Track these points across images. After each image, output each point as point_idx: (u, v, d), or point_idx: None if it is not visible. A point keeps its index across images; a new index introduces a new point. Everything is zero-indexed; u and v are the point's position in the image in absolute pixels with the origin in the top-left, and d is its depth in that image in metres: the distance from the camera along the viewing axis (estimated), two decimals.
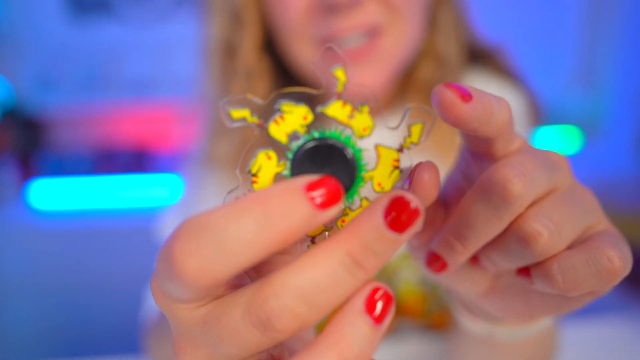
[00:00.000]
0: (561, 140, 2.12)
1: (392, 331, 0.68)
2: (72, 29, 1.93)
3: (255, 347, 0.19)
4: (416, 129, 0.21)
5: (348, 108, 0.21)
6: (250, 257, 0.17)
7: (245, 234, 0.17)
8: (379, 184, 0.21)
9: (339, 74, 0.21)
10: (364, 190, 0.21)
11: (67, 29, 1.92)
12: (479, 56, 0.68)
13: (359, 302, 0.18)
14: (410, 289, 0.66)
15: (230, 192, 0.21)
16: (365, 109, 0.21)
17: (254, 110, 0.21)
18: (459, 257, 0.27)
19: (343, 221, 0.21)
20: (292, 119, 0.21)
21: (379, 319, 0.18)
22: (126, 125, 2.02)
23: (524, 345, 0.39)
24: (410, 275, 0.66)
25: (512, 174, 0.23)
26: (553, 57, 2.04)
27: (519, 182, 0.23)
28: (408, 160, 0.22)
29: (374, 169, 0.21)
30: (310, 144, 0.20)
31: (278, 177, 0.21)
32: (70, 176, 1.91)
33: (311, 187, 0.18)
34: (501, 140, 0.25)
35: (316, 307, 0.18)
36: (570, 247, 0.25)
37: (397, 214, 0.18)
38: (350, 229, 0.18)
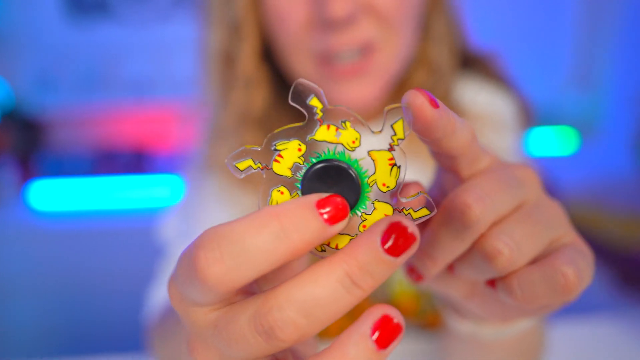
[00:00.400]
0: (558, 141, 2.13)
1: None
2: (71, 29, 1.93)
3: (259, 352, 0.20)
4: (399, 126, 0.23)
5: (332, 129, 0.23)
6: (267, 265, 0.19)
7: (263, 245, 0.19)
8: (384, 184, 0.23)
9: (315, 102, 0.23)
10: (372, 194, 0.23)
11: (66, 29, 1.93)
12: (471, 63, 0.69)
13: (367, 325, 0.20)
14: (405, 290, 0.67)
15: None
16: (348, 124, 0.23)
17: (255, 157, 0.23)
18: (431, 271, 0.29)
19: (364, 226, 0.23)
20: (289, 155, 0.23)
21: (384, 345, 0.19)
22: (125, 125, 2.02)
23: (508, 344, 0.41)
24: (405, 276, 0.67)
25: (471, 198, 0.25)
26: (550, 58, 2.05)
27: (478, 206, 0.25)
28: (402, 156, 0.23)
29: (374, 173, 0.23)
30: (320, 165, 0.22)
31: (296, 166, 0.23)
32: (69, 177, 1.91)
33: (321, 204, 0.20)
34: (465, 160, 0.27)
35: (316, 320, 0.19)
36: (534, 260, 0.27)
37: (395, 239, 0.19)
38: (350, 251, 0.20)
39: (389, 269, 0.20)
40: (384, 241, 0.19)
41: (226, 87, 0.63)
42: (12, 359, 1.52)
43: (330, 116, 0.23)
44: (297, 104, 0.23)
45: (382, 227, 0.20)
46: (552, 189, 1.57)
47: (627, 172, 2.04)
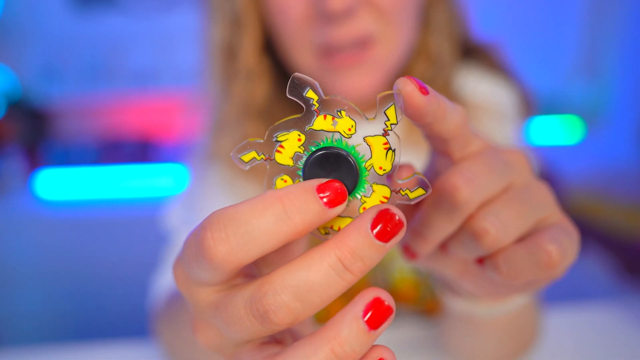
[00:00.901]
0: (563, 130, 2.12)
1: None
2: (76, 20, 1.93)
3: (255, 334, 0.22)
4: (391, 112, 0.24)
5: (329, 118, 0.24)
6: (270, 245, 0.21)
7: (267, 226, 0.20)
8: (381, 167, 0.24)
9: (311, 94, 0.24)
10: (370, 178, 0.24)
11: (71, 20, 1.93)
12: (472, 52, 0.69)
13: (359, 307, 0.21)
14: (405, 277, 0.68)
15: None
16: (343, 113, 0.24)
17: (258, 149, 0.24)
18: (424, 250, 0.30)
19: (364, 208, 0.24)
20: (289, 145, 0.24)
21: (374, 326, 0.21)
22: (130, 115, 2.03)
23: (502, 323, 0.43)
24: (405, 264, 0.68)
25: (460, 180, 0.27)
26: (555, 47, 2.04)
27: (466, 188, 0.27)
28: (396, 140, 0.24)
29: (371, 158, 0.24)
30: (320, 153, 0.24)
31: (296, 155, 0.24)
32: (75, 166, 1.92)
33: (320, 188, 0.21)
34: (457, 143, 0.28)
35: (309, 304, 0.21)
36: (520, 239, 0.29)
37: (383, 225, 0.21)
38: (341, 237, 0.21)
39: (378, 254, 0.21)
40: (373, 227, 0.21)
41: (228, 80, 0.64)
42: (19, 345, 1.54)
43: (327, 106, 0.24)
44: (294, 97, 0.24)
45: (372, 214, 0.21)
46: (556, 178, 1.56)
47: (632, 161, 2.03)
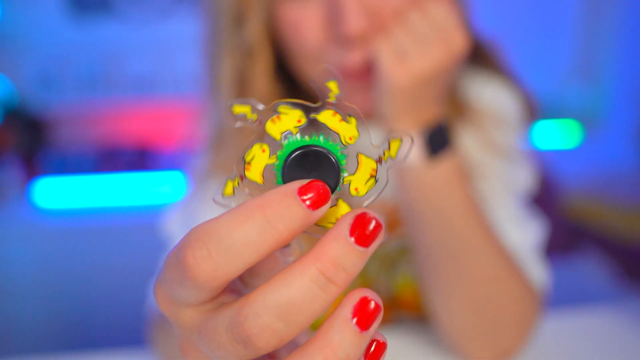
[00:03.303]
0: (561, 134, 2.12)
1: (389, 323, 0.69)
2: (74, 28, 1.93)
3: (241, 358, 0.21)
4: (395, 144, 0.23)
5: (337, 117, 0.23)
6: (254, 257, 0.20)
7: (249, 237, 0.19)
8: (356, 189, 0.23)
9: (332, 86, 0.23)
10: (343, 191, 0.23)
11: (68, 28, 1.93)
12: (475, 54, 0.69)
13: (347, 310, 0.20)
14: (408, 282, 0.68)
15: (226, 179, 0.23)
16: (353, 120, 0.23)
17: (255, 110, 0.23)
18: None
19: (356, 189, 0.23)
20: (287, 120, 0.23)
21: (365, 326, 0.20)
22: (129, 123, 2.03)
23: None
24: (408, 269, 0.68)
25: None
26: (552, 50, 2.04)
27: None
28: (385, 173, 0.23)
29: (353, 174, 0.23)
30: (298, 152, 0.22)
31: (268, 168, 0.23)
32: (73, 175, 1.92)
33: (302, 190, 0.20)
34: None
35: (293, 323, 0.20)
36: None
37: (362, 230, 0.20)
38: (320, 248, 0.20)
39: (361, 260, 0.20)
40: (352, 233, 0.20)
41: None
42: (17, 355, 1.53)
43: (340, 108, 0.23)
44: (315, 85, 0.23)
45: (349, 220, 0.20)
46: (555, 182, 1.56)
47: (630, 165, 2.04)
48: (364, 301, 0.20)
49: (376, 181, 0.23)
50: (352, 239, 0.20)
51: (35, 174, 1.92)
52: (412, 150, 0.51)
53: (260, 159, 0.23)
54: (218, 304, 0.22)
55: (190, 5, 1.92)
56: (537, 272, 0.63)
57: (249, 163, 0.23)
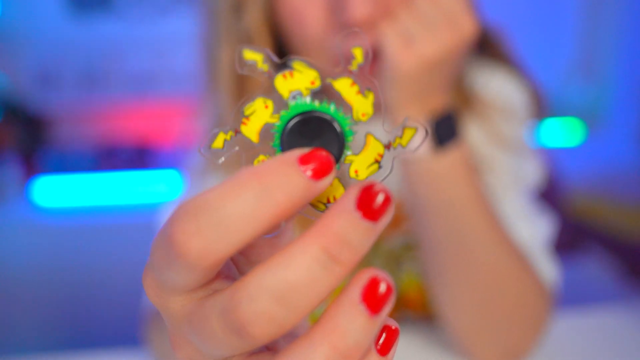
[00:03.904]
0: (563, 132, 2.12)
1: None
2: (73, 25, 1.93)
3: (235, 349, 0.19)
4: (409, 133, 0.21)
5: (355, 88, 0.21)
6: (250, 231, 0.17)
7: (244, 209, 0.17)
8: (356, 171, 0.21)
9: (357, 52, 0.21)
10: (342, 171, 0.21)
11: (67, 25, 1.93)
12: (482, 44, 0.68)
13: (356, 291, 0.18)
14: (413, 280, 0.67)
15: (218, 130, 0.21)
16: (371, 96, 0.21)
17: (268, 61, 0.21)
18: None
19: (356, 171, 0.21)
20: (300, 78, 0.21)
21: (376, 310, 0.18)
22: (128, 121, 2.02)
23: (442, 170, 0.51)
24: (413, 267, 0.67)
25: None
26: (553, 48, 2.03)
27: None
28: (390, 161, 0.21)
29: (357, 154, 0.21)
30: (303, 116, 0.20)
31: (266, 127, 0.21)
32: (72, 173, 1.92)
33: (304, 159, 0.18)
34: None
35: (293, 308, 0.17)
36: None
37: (370, 203, 0.18)
38: (322, 223, 0.18)
39: (368, 237, 0.18)
40: (359, 206, 0.18)
41: (237, 99, 0.63)
42: (16, 354, 1.53)
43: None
44: (339, 47, 0.21)
45: (355, 192, 0.18)
46: (558, 180, 1.56)
47: (632, 163, 2.03)
48: (374, 282, 0.18)
49: (379, 167, 0.21)
50: (359, 213, 0.18)
51: (34, 172, 1.91)
52: (424, 143, 0.50)
53: (260, 115, 0.21)
54: (211, 291, 0.20)
55: (189, 3, 1.91)
56: (548, 268, 0.62)
57: (247, 117, 0.21)
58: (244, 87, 0.61)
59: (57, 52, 1.95)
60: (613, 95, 2.09)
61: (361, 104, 0.21)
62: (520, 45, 0.77)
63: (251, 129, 0.21)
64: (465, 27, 0.51)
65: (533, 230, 0.62)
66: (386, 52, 0.51)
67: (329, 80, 0.21)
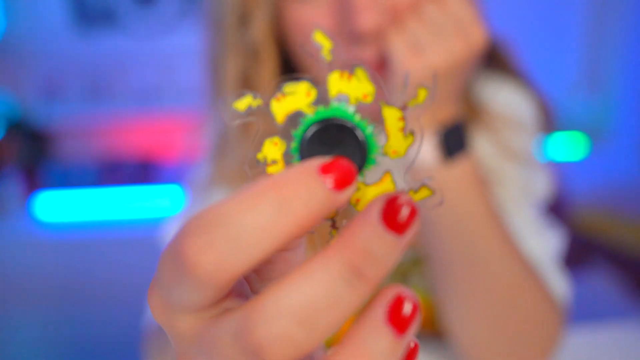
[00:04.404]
0: (567, 146, 2.11)
1: None
2: (77, 40, 1.94)
3: None
4: (423, 92, 0.20)
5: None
6: (268, 246, 0.16)
7: (261, 222, 0.16)
8: (394, 151, 0.20)
9: (319, 38, 0.20)
10: (380, 159, 0.20)
11: (72, 40, 1.94)
12: (490, 56, 0.68)
13: (380, 310, 0.17)
14: (421, 297, 0.66)
15: (247, 91, 0.20)
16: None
17: (257, 97, 0.20)
18: None
19: (357, 200, 0.20)
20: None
21: (402, 329, 0.16)
22: (131, 136, 2.02)
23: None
24: (420, 283, 0.66)
25: None
26: (558, 61, 2.04)
27: None
28: (416, 122, 0.20)
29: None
30: (318, 126, 0.19)
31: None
32: (75, 188, 1.91)
33: (325, 169, 0.17)
34: None
35: (314, 329, 0.16)
36: None
37: (395, 215, 0.17)
38: (346, 236, 0.17)
39: (395, 251, 0.17)
40: (384, 219, 0.17)
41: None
42: None
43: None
44: (307, 52, 0.20)
45: (380, 204, 0.17)
46: (562, 195, 1.55)
47: (637, 177, 2.02)
48: (400, 299, 0.17)
49: (413, 134, 0.20)
50: (384, 226, 0.16)
51: (37, 187, 1.92)
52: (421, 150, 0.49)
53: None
54: (222, 310, 0.19)
55: (194, 19, 1.92)
56: (559, 282, 0.61)
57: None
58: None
59: (61, 67, 1.96)
60: (617, 109, 2.09)
61: (398, 142, 0.20)
62: (524, 59, 0.77)
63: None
64: (475, 37, 0.51)
65: (543, 244, 0.61)
66: (394, 60, 0.51)
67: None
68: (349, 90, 0.20)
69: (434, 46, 0.50)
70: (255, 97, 0.19)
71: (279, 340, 0.16)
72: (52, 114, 1.98)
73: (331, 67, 0.20)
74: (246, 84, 0.60)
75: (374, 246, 0.16)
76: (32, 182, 1.93)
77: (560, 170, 1.98)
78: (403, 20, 0.52)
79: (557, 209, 1.50)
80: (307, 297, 0.16)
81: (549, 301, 0.56)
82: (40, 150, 1.98)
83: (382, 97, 0.20)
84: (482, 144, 0.62)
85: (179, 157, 1.94)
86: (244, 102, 0.20)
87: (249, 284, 0.22)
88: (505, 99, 0.65)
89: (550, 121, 0.71)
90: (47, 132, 1.99)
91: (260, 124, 0.20)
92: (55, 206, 1.89)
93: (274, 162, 0.20)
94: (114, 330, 1.55)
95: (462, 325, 0.56)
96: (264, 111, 0.20)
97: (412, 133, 0.20)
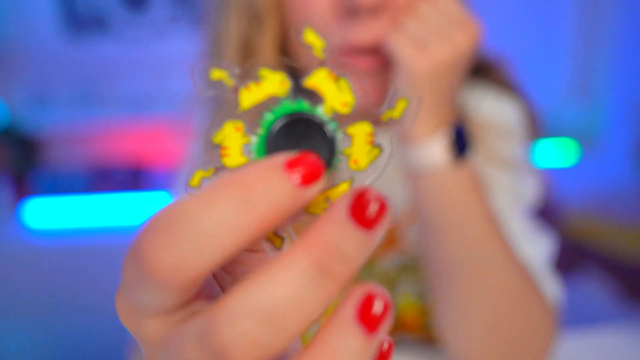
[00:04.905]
0: (558, 152, 2.12)
1: None
2: (68, 46, 1.93)
3: None
4: (401, 103, 0.19)
5: (332, 77, 0.19)
6: (230, 245, 0.16)
7: (223, 219, 0.15)
8: (355, 161, 0.19)
9: (310, 37, 0.19)
10: (341, 168, 0.20)
11: (62, 46, 1.93)
12: (480, 69, 0.69)
13: (350, 309, 0.16)
14: (410, 302, 0.65)
15: (194, 167, 0.19)
16: (344, 82, 0.19)
17: (234, 76, 0.20)
18: None
19: (355, 161, 0.20)
20: (267, 86, 0.19)
21: (373, 328, 0.16)
22: (122, 142, 2.02)
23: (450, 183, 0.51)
24: (410, 288, 0.65)
25: None
26: (548, 69, 2.05)
27: None
28: (387, 138, 0.20)
29: (350, 147, 0.19)
30: (285, 120, 0.19)
31: (245, 148, 0.19)
32: (65, 195, 1.90)
33: (291, 164, 0.16)
34: None
35: (279, 330, 0.15)
36: None
37: (363, 209, 0.16)
38: (311, 233, 0.16)
39: (363, 247, 0.16)
40: (352, 213, 0.16)
41: None
42: None
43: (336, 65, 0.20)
44: (300, 43, 0.19)
45: (347, 198, 0.16)
46: (554, 201, 1.55)
47: (628, 183, 2.03)
48: (369, 298, 0.16)
49: (380, 150, 0.19)
50: (353, 221, 0.16)
51: (27, 194, 1.90)
52: (429, 152, 0.50)
53: (235, 140, 0.19)
54: (190, 314, 0.18)
55: (186, 26, 1.92)
56: (551, 287, 0.61)
57: (224, 147, 0.19)
58: (250, 58, 0.61)
59: (51, 73, 1.95)
60: (608, 116, 2.10)
61: (361, 154, 0.19)
62: (515, 67, 0.78)
63: (250, 96, 0.19)
64: (472, 29, 0.52)
65: (535, 249, 0.61)
66: (400, 57, 0.51)
67: (304, 80, 0.19)
68: (329, 93, 0.19)
69: (437, 41, 0.51)
70: (231, 75, 0.19)
71: (243, 341, 0.15)
72: (42, 120, 1.97)
73: (323, 64, 0.19)
74: (247, 49, 0.60)
75: (341, 242, 0.16)
76: (21, 189, 1.92)
77: (552, 176, 1.99)
78: (400, 20, 0.53)
79: (549, 215, 1.50)
80: (271, 296, 0.15)
81: (543, 305, 0.56)
82: (30, 157, 1.97)
83: (359, 109, 0.20)
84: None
85: (171, 163, 1.93)
86: (217, 74, 0.19)
87: (220, 286, 0.21)
88: (489, 107, 0.66)
89: (537, 127, 0.72)
90: (37, 139, 1.98)
91: (228, 102, 0.20)
92: (45, 213, 1.87)
93: (227, 147, 0.19)
94: (104, 338, 1.54)
95: (458, 330, 0.56)
96: (232, 93, 0.19)
97: (378, 148, 0.19)
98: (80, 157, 2.01)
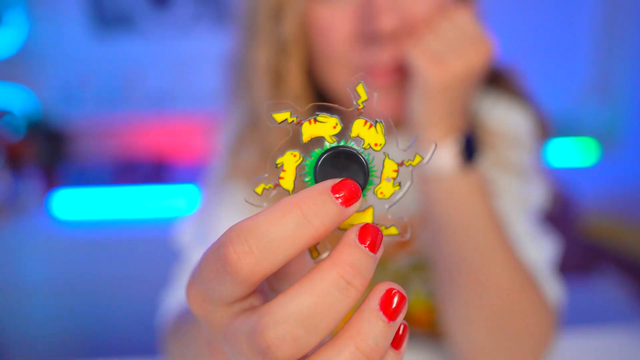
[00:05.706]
0: (578, 152, 2.10)
1: None
2: (96, 44, 1.97)
3: None
4: (418, 157, 0.25)
5: (367, 125, 0.24)
6: (292, 252, 0.21)
7: (288, 233, 0.21)
8: (381, 192, 0.25)
9: (360, 90, 0.24)
10: (370, 195, 0.25)
11: (90, 44, 1.97)
12: (492, 78, 0.70)
13: (375, 301, 0.21)
14: (420, 300, 0.67)
15: (258, 179, 0.25)
16: (380, 127, 0.24)
17: (295, 114, 0.24)
18: None
19: (382, 192, 0.25)
20: (323, 127, 0.24)
21: (392, 316, 0.21)
22: (146, 137, 2.05)
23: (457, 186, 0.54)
24: (420, 287, 0.67)
25: None
26: (568, 68, 2.03)
27: None
28: (407, 177, 0.25)
29: (379, 179, 0.25)
30: (331, 152, 0.24)
31: (299, 169, 0.24)
32: (92, 187, 1.95)
33: (335, 188, 0.21)
34: None
35: (314, 330, 0.20)
36: None
37: (369, 237, 0.22)
38: (337, 254, 0.21)
39: (373, 265, 0.21)
40: (362, 241, 0.21)
41: (272, 98, 0.64)
42: None
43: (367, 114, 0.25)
44: (350, 90, 0.24)
45: (356, 230, 0.22)
46: (572, 201, 1.55)
47: None
48: (390, 293, 0.21)
49: (400, 185, 0.25)
50: (366, 247, 0.21)
51: (55, 186, 1.94)
52: (439, 157, 0.53)
53: (291, 163, 0.24)
54: (247, 305, 0.23)
55: (209, 23, 1.95)
56: (553, 288, 0.63)
57: (283, 170, 0.24)
58: (279, 86, 0.64)
59: (80, 70, 1.99)
60: (628, 115, 2.08)
61: (386, 187, 0.25)
62: (535, 66, 0.79)
63: (310, 131, 0.24)
64: (486, 46, 0.54)
65: (538, 251, 0.63)
66: (416, 69, 0.54)
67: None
68: (366, 136, 0.24)
69: (452, 55, 0.53)
70: (292, 115, 0.24)
71: (285, 340, 0.20)
72: (71, 115, 2.02)
73: (360, 114, 0.24)
74: (276, 76, 0.63)
75: (358, 262, 0.21)
76: (50, 181, 1.96)
77: (570, 176, 1.98)
78: (418, 32, 0.56)
79: (566, 215, 1.50)
80: (309, 303, 0.20)
81: (543, 305, 0.58)
82: (59, 150, 2.01)
83: (388, 149, 0.25)
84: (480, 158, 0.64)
85: (193, 157, 1.96)
86: (282, 116, 0.24)
87: (268, 281, 0.26)
88: (500, 116, 0.67)
89: (547, 133, 0.73)
90: (66, 133, 2.02)
91: (288, 132, 0.25)
92: (72, 204, 1.92)
93: (285, 170, 0.24)
94: (128, 327, 1.57)
95: (462, 328, 0.58)
96: (295, 128, 0.25)
97: (399, 184, 0.25)
98: (106, 150, 2.05)
